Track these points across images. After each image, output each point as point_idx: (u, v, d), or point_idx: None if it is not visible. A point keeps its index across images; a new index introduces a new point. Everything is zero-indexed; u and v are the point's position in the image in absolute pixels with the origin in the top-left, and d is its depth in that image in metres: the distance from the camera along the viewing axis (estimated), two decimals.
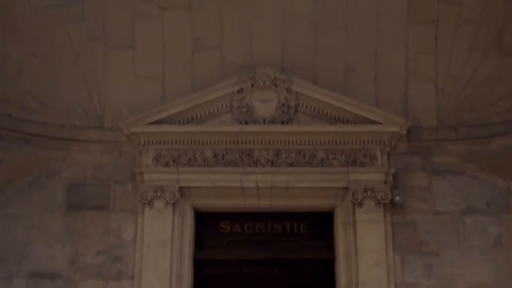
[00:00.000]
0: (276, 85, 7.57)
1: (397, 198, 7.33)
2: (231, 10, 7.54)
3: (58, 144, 7.61)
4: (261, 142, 7.48)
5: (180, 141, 7.51)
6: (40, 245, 7.37)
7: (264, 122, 7.56)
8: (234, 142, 7.49)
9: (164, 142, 7.52)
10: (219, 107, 7.66)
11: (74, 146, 7.68)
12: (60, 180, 7.61)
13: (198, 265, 7.60)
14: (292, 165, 7.46)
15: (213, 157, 7.51)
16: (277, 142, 7.48)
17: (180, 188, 7.40)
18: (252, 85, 7.58)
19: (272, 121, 7.56)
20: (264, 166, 7.45)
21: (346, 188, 7.38)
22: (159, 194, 7.33)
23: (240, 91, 7.60)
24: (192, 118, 7.63)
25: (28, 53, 7.53)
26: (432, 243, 7.33)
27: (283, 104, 7.57)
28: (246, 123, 7.57)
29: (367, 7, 7.55)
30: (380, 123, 7.47)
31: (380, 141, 7.51)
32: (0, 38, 7.31)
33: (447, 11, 7.52)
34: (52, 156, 7.59)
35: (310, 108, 7.64)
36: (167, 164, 7.48)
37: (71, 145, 7.67)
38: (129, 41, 7.69)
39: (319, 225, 7.75)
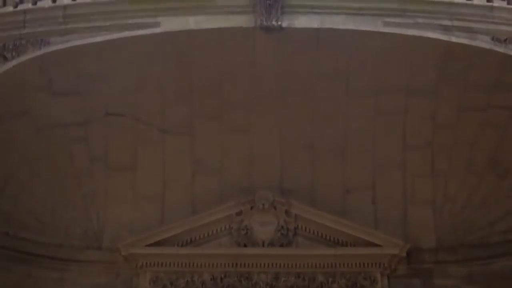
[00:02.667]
0: (275, 208, 7.76)
1: None
2: (231, 136, 7.81)
3: (55, 264, 7.68)
4: (260, 265, 7.57)
5: (178, 264, 7.59)
6: None
7: (263, 245, 7.68)
8: (232, 265, 7.57)
9: (162, 264, 7.59)
10: (218, 229, 7.80)
11: (71, 266, 7.74)
12: None
13: None
14: None
15: (211, 280, 7.57)
16: (276, 265, 7.57)
17: None
18: (251, 208, 7.77)
19: (271, 244, 7.67)
20: None
21: None
22: None
23: (239, 213, 7.77)
24: (190, 240, 7.75)
25: (30, 173, 7.75)
26: None
27: (282, 227, 7.71)
28: (245, 245, 7.68)
29: (363, 131, 7.83)
30: (379, 246, 7.59)
31: (380, 264, 7.60)
32: (3, 157, 7.52)
33: (442, 134, 7.80)
34: (47, 276, 7.63)
35: (309, 230, 7.79)
36: (164, 287, 7.53)
37: (68, 265, 7.73)
38: (130, 163, 7.94)
39: None
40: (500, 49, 6.85)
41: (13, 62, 6.87)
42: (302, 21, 6.67)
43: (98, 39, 6.79)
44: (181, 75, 7.26)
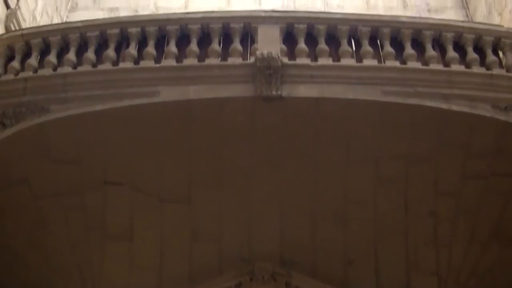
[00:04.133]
0: (275, 280, 7.68)
1: None
2: (230, 204, 7.79)
3: None
4: None
5: None
6: None
7: None
8: None
9: None
10: None
11: None
12: None
13: None
14: None
15: None
16: None
17: None
18: (251, 279, 7.69)
19: None
20: None
21: None
22: None
23: (238, 285, 7.70)
24: None
25: (25, 241, 7.69)
26: None
27: None
28: None
29: (364, 198, 7.80)
30: None
31: None
32: None
33: (445, 202, 7.75)
34: None
35: None
36: None
37: None
38: (127, 232, 7.86)
39: None
40: (501, 116, 6.93)
41: (12, 130, 6.95)
42: (302, 91, 6.78)
43: (98, 107, 6.89)
44: (179, 144, 7.27)
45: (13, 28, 8.71)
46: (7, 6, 8.69)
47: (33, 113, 6.97)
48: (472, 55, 7.32)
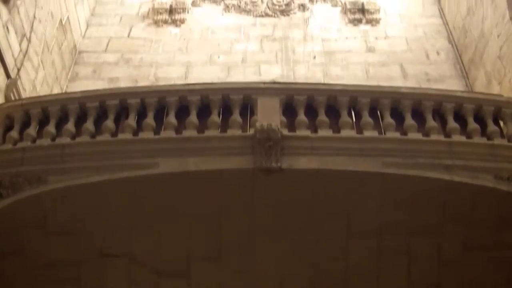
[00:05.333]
0: None
1: None
2: (229, 278, 7.66)
3: None
4: None
5: None
6: None
7: None
8: None
9: None
10: None
11: None
12: None
13: None
14: None
15: None
16: None
17: None
18: None
19: None
20: None
21: None
22: None
23: None
24: None
25: None
26: None
27: None
28: None
29: (366, 271, 7.67)
30: None
31: None
32: None
33: (448, 274, 7.64)
34: None
35: None
36: None
37: None
38: None
39: None
40: (503, 187, 6.92)
41: (9, 200, 6.92)
42: (302, 162, 6.79)
43: (96, 179, 6.88)
44: (178, 216, 7.22)
45: (13, 98, 8.79)
46: (8, 75, 8.80)
47: (30, 183, 6.96)
48: (473, 125, 7.38)
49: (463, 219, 7.24)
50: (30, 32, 9.54)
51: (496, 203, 7.02)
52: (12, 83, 8.81)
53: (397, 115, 7.45)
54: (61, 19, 10.95)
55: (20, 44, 9.16)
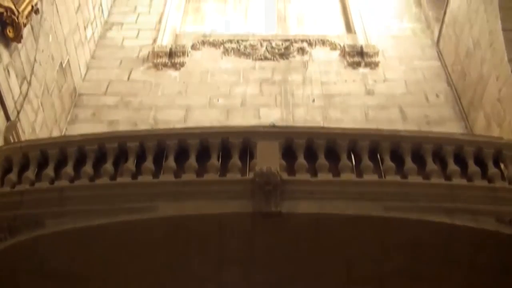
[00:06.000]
0: None
1: None
2: None
3: None
4: None
5: None
6: None
7: None
8: None
9: None
10: None
11: None
12: None
13: None
14: None
15: None
16: None
17: None
18: None
19: None
20: None
21: None
22: None
23: None
24: None
25: None
26: None
27: None
28: None
29: None
30: None
31: None
32: None
33: None
34: None
35: None
36: None
37: None
38: None
39: None
40: (505, 230, 6.87)
41: (6, 244, 6.87)
42: (302, 207, 6.76)
43: (94, 222, 6.84)
44: (177, 261, 7.18)
45: (12, 140, 8.80)
46: (7, 118, 8.83)
47: (27, 227, 6.92)
48: (473, 168, 7.37)
49: (465, 263, 7.18)
50: (31, 75, 9.60)
51: (498, 246, 6.96)
52: (11, 125, 8.84)
53: (397, 158, 7.45)
54: (61, 62, 11.03)
55: (20, 87, 9.21)
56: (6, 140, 8.67)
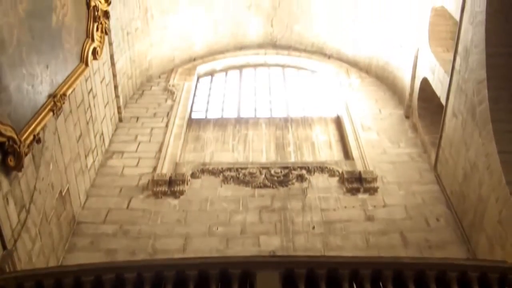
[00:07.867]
0: None
1: None
2: None
3: None
4: None
5: None
6: None
7: None
8: None
9: None
10: None
11: None
12: None
13: None
14: None
15: None
16: None
17: None
18: None
19: None
20: None
21: None
22: None
23: None
24: None
25: None
26: None
27: None
28: None
29: None
30: None
31: None
32: None
33: None
34: None
35: None
36: None
37: None
38: None
39: None
40: None
41: None
42: None
43: None
44: None
45: (7, 269, 8.64)
46: (4, 246, 8.72)
47: None
48: None
49: None
50: (30, 203, 9.59)
51: None
52: (7, 254, 8.72)
53: (400, 285, 7.32)
54: (61, 190, 11.06)
55: (18, 215, 9.17)
56: (1, 269, 8.53)
